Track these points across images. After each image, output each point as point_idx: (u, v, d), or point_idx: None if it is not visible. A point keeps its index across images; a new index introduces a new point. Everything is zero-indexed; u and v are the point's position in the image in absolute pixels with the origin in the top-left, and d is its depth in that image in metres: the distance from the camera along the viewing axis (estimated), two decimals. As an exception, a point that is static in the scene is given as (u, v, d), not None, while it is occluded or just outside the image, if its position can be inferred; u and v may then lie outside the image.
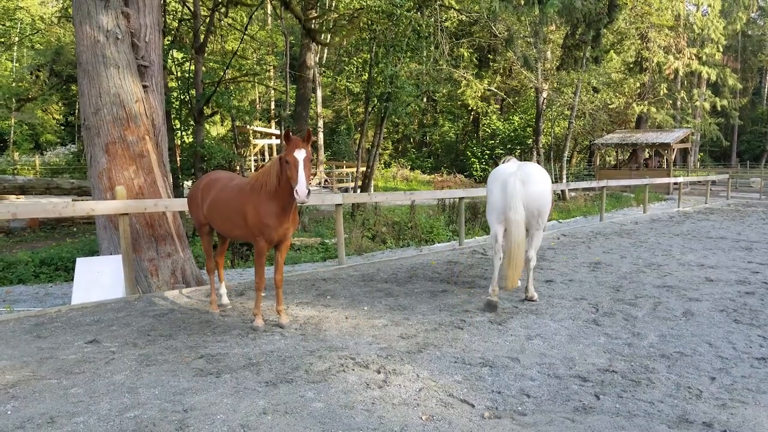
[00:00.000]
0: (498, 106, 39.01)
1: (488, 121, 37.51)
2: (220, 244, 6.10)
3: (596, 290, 6.81)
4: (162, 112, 7.78)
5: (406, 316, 5.57)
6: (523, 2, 9.08)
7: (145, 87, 7.32)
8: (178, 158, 15.67)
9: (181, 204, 6.96)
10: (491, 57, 36.03)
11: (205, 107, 14.39)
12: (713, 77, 37.53)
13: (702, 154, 48.95)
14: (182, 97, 15.02)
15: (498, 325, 5.31)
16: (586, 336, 5.01)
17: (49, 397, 3.64)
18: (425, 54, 19.90)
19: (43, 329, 5.18)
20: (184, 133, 15.64)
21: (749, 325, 5.36)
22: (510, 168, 6.03)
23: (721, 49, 39.43)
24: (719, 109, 40.51)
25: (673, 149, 31.09)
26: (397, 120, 34.67)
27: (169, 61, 15.02)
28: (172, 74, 15.39)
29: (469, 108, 37.11)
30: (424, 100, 38.78)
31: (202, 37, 14.51)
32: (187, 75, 15.15)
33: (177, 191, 14.67)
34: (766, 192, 26.15)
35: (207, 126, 30.04)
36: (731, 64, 46.22)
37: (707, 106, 39.43)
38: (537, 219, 5.97)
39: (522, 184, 5.76)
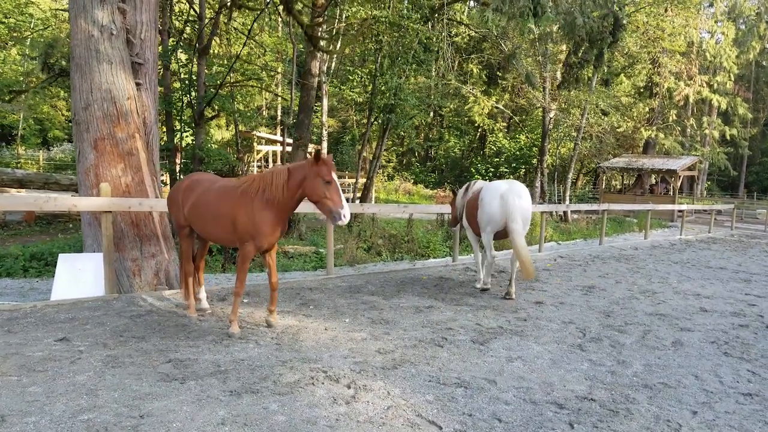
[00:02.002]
0: (505, 124, 39.01)
1: (494, 139, 37.47)
2: (201, 248, 5.93)
3: (586, 314, 6.66)
4: (154, 111, 7.72)
5: (387, 331, 5.44)
6: (518, 14, 9.01)
7: (138, 85, 7.27)
8: (179, 159, 15.66)
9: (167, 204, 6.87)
10: (500, 74, 36.05)
11: (206, 110, 14.37)
12: (724, 106, 37.42)
13: (709, 183, 48.76)
14: (184, 98, 15.01)
15: (480, 345, 5.17)
16: (569, 361, 4.86)
17: (5, 394, 3.53)
18: (433, 68, 19.90)
19: (15, 324, 5.07)
20: (185, 134, 15.59)
21: (739, 359, 5.20)
22: (504, 185, 7.14)
23: (733, 78, 39.41)
24: (728, 138, 40.36)
25: (680, 176, 30.92)
26: (402, 133, 34.69)
27: (174, 62, 15.03)
28: (176, 75, 15.40)
29: (476, 125, 37.10)
30: (431, 114, 38.85)
31: (207, 39, 14.53)
32: (190, 77, 15.15)
33: (174, 192, 14.66)
34: (770, 224, 25.90)
35: (212, 130, 30.17)
36: (743, 93, 46.15)
37: (716, 134, 39.32)
38: (526, 226, 7.15)
39: (519, 199, 6.92)
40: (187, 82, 15.41)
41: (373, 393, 3.85)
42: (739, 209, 27.83)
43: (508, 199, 6.88)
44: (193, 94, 14.99)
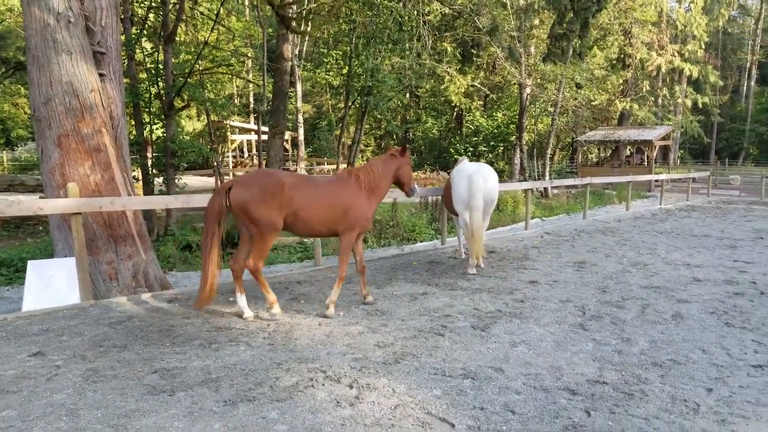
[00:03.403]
0: (481, 103, 38.80)
1: (471, 118, 37.27)
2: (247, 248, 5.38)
3: (582, 291, 6.53)
4: (121, 103, 7.29)
5: (384, 322, 5.22)
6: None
7: (101, 75, 6.83)
8: (150, 153, 15.13)
9: (142, 202, 6.52)
10: (475, 52, 35.74)
11: (176, 100, 13.85)
12: (695, 74, 37.70)
13: (682, 151, 49.36)
14: (152, 89, 14.44)
15: (481, 331, 4.99)
16: (573, 342, 4.70)
17: (-24, 420, 3.22)
18: (408, 47, 19.53)
19: (-15, 339, 4.72)
20: (155, 126, 15.03)
21: (741, 329, 5.11)
22: (471, 167, 7.73)
23: (703, 46, 39.66)
24: (700, 106, 40.78)
25: (655, 146, 31.16)
26: (379, 116, 34.26)
27: (138, 51, 14.42)
28: (142, 65, 14.80)
29: (453, 104, 36.81)
30: (407, 95, 38.47)
31: (172, 26, 13.95)
32: (156, 66, 14.57)
33: (147, 188, 14.16)
34: (745, 189, 26.27)
35: (183, 121, 29.41)
36: (712, 61, 46.60)
37: (689, 103, 39.67)
38: (491, 206, 7.82)
39: (483, 181, 7.50)
40: (153, 71, 14.82)
41: (377, 392, 3.63)
42: (713, 176, 28.17)
43: (473, 179, 7.46)
44: (161, 84, 14.43)
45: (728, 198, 22.77)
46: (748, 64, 54.07)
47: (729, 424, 3.26)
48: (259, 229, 5.09)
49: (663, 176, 22.41)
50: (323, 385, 3.72)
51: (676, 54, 36.41)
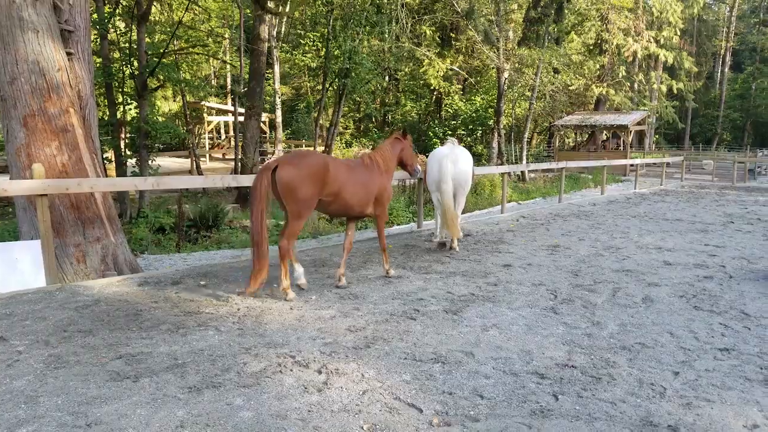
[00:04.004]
0: (460, 87, 38.69)
1: (450, 102, 37.17)
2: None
3: (555, 275, 6.58)
4: (90, 83, 7.08)
5: (357, 306, 5.19)
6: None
7: (69, 54, 6.61)
8: (124, 134, 14.81)
9: (109, 184, 6.36)
10: (453, 36, 35.57)
11: (150, 80, 13.53)
12: (670, 60, 38.11)
13: (657, 136, 50.05)
14: (125, 69, 14.08)
15: (453, 314, 4.98)
16: (544, 326, 4.73)
17: (-70, 409, 3.12)
18: (386, 30, 19.32)
19: (-56, 325, 4.58)
20: (128, 107, 14.69)
21: (710, 312, 5.19)
22: (444, 151, 7.97)
23: (679, 33, 40.05)
24: (675, 92, 41.32)
25: (631, 131, 31.52)
26: (358, 98, 33.99)
27: (111, 30, 14.03)
28: (115, 44, 14.41)
29: (432, 88, 36.63)
30: (386, 78, 38.18)
31: (146, 4, 13.58)
32: (130, 45, 14.20)
33: (120, 169, 13.88)
34: (718, 174, 26.76)
35: (158, 102, 28.82)
36: (687, 48, 47.14)
37: (664, 89, 40.13)
38: (462, 188, 7.99)
39: (452, 164, 7.71)
40: (126, 51, 14.45)
41: (346, 377, 3.60)
42: (686, 161, 28.60)
43: (443, 162, 7.72)
44: (135, 63, 14.07)
45: (701, 183, 23.18)
46: (722, 51, 54.87)
47: (694, 408, 3.30)
48: (299, 208, 5.26)
49: (638, 161, 22.70)
50: (291, 370, 3.68)
51: (652, 40, 36.71)
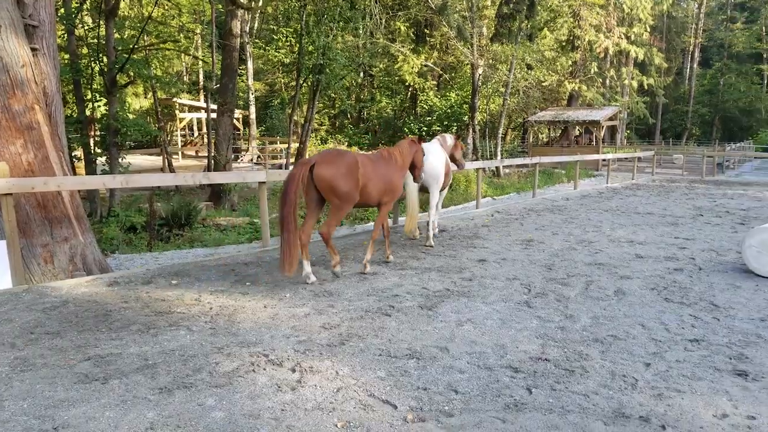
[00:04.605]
0: (435, 83, 38.79)
1: (425, 97, 37.24)
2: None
3: (529, 269, 6.63)
4: (56, 79, 6.89)
5: (331, 303, 5.16)
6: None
7: (34, 50, 6.43)
8: (93, 132, 14.49)
9: (77, 182, 6.21)
10: (428, 32, 35.60)
11: (120, 76, 13.25)
12: (641, 56, 38.75)
13: (629, 131, 50.87)
14: (94, 65, 13.77)
15: (428, 310, 4.99)
16: (518, 320, 4.76)
17: None
18: (360, 26, 19.24)
19: None
20: (97, 104, 14.37)
21: (680, 304, 5.29)
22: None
23: (649, 29, 40.74)
24: (646, 87, 42.02)
25: (603, 126, 31.95)
26: (333, 95, 33.82)
27: (79, 26, 13.69)
28: (82, 40, 14.08)
29: (407, 84, 36.66)
30: (361, 74, 38.07)
31: (114, -1, 13.30)
32: (98, 41, 13.89)
33: (89, 168, 13.58)
34: (688, 168, 27.33)
35: (129, 98, 28.31)
36: (657, 44, 47.98)
37: (635, 84, 40.76)
38: (433, 182, 8.03)
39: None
40: (95, 47, 14.12)
41: (320, 375, 3.57)
42: (657, 155, 29.14)
43: None
44: (104, 60, 13.77)
45: (671, 177, 23.63)
46: (691, 47, 56.02)
47: (665, 399, 3.35)
48: (340, 201, 5.83)
49: (610, 156, 23.06)
50: (265, 369, 3.63)
51: (622, 36, 37.28)
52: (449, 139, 8.92)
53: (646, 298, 5.46)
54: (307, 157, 20.10)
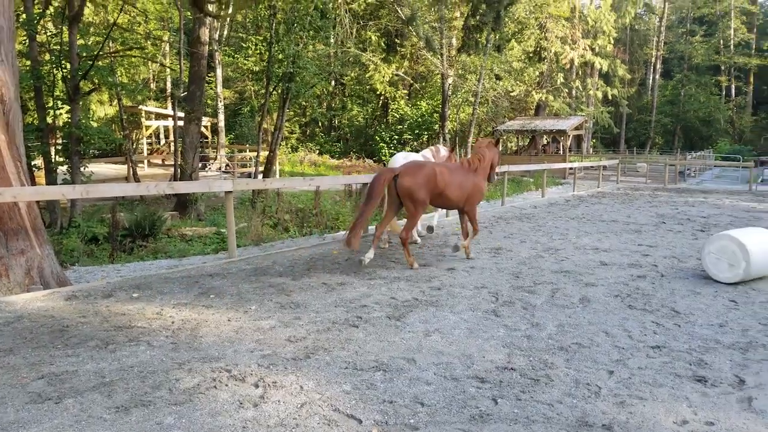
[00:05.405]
0: (406, 92, 39.06)
1: (396, 107, 37.45)
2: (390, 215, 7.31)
3: (497, 277, 6.67)
4: (14, 87, 6.66)
5: (298, 315, 5.08)
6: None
7: (-11, 56, 6.21)
8: (55, 140, 14.10)
9: (34, 193, 6.01)
10: (398, 42, 35.87)
11: (84, 83, 12.94)
12: (605, 68, 39.75)
13: (594, 140, 51.93)
14: (56, 72, 13.43)
15: (396, 320, 4.96)
16: (485, 329, 4.77)
17: None
18: (331, 35, 19.25)
19: None
20: (60, 111, 14.01)
21: (643, 311, 5.37)
22: (399, 156, 8.89)
23: (612, 42, 41.81)
24: (610, 98, 43.08)
25: (569, 136, 32.56)
26: (304, 103, 33.69)
27: (41, 32, 13.36)
28: (45, 46, 13.72)
29: (378, 93, 36.84)
30: (332, 83, 38.06)
31: (78, 5, 13.00)
32: (61, 47, 13.55)
33: (50, 177, 13.21)
34: (651, 176, 28.02)
35: (93, 106, 27.69)
36: (621, 55, 49.24)
37: (599, 95, 41.74)
38: None
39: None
40: (58, 53, 13.78)
41: (284, 390, 3.50)
42: (622, 164, 29.79)
43: (392, 165, 8.41)
44: (67, 66, 13.44)
45: (635, 185, 24.17)
46: (653, 59, 57.63)
47: (627, 406, 3.38)
48: (415, 207, 6.87)
49: (576, 164, 23.48)
50: (227, 385, 3.54)
51: (587, 48, 38.21)
52: (443, 150, 9.37)
53: (610, 305, 5.53)
54: (277, 166, 20.02)
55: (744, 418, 3.27)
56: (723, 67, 57.00)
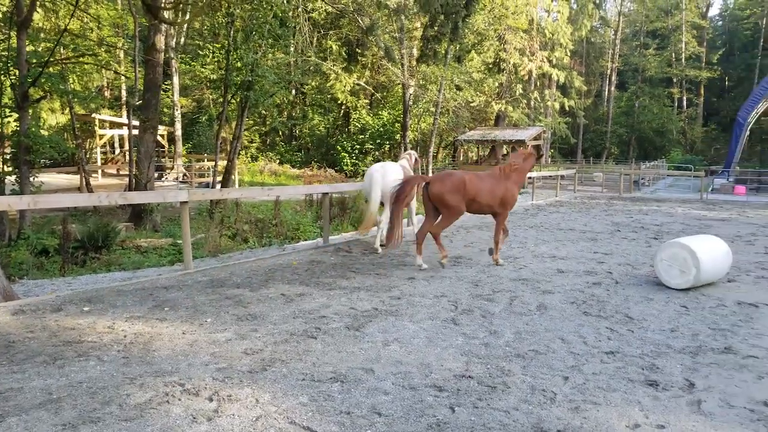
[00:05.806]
0: (367, 101, 39.19)
1: (358, 116, 37.52)
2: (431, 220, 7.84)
3: (456, 286, 6.72)
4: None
5: (255, 327, 5.00)
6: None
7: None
8: (2, 149, 13.58)
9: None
10: (359, 51, 36.01)
11: (32, 90, 12.51)
12: (562, 79, 40.78)
13: (552, 150, 53.13)
14: (3, 78, 12.94)
15: (355, 330, 4.93)
16: (444, 337, 4.79)
17: None
18: (291, 43, 19.16)
19: None
20: (7, 120, 13.49)
21: (597, 317, 5.49)
22: (377, 166, 9.28)
23: (569, 54, 42.98)
24: (567, 109, 44.18)
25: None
26: (264, 111, 33.41)
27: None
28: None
29: (339, 102, 36.85)
30: (293, 92, 37.88)
31: (27, 10, 12.59)
32: (8, 54, 13.09)
33: (-2, 187, 12.70)
34: (607, 186, 28.80)
35: (44, 114, 26.79)
36: (577, 67, 50.68)
37: (557, 106, 42.76)
38: (388, 198, 8.71)
39: (382, 177, 8.94)
40: (5, 59, 13.29)
41: (239, 403, 3.43)
42: (579, 173, 30.55)
43: (374, 175, 9.00)
44: (16, 73, 12.98)
45: (592, 194, 24.80)
46: (609, 71, 59.53)
47: (581, 411, 3.45)
48: (449, 211, 7.62)
49: (535, 174, 23.90)
50: (180, 399, 3.45)
51: (545, 60, 39.15)
52: (414, 154, 10.30)
53: (566, 312, 5.64)
54: (235, 176, 19.71)
55: (693, 420, 3.37)
56: (675, 80, 59.27)
